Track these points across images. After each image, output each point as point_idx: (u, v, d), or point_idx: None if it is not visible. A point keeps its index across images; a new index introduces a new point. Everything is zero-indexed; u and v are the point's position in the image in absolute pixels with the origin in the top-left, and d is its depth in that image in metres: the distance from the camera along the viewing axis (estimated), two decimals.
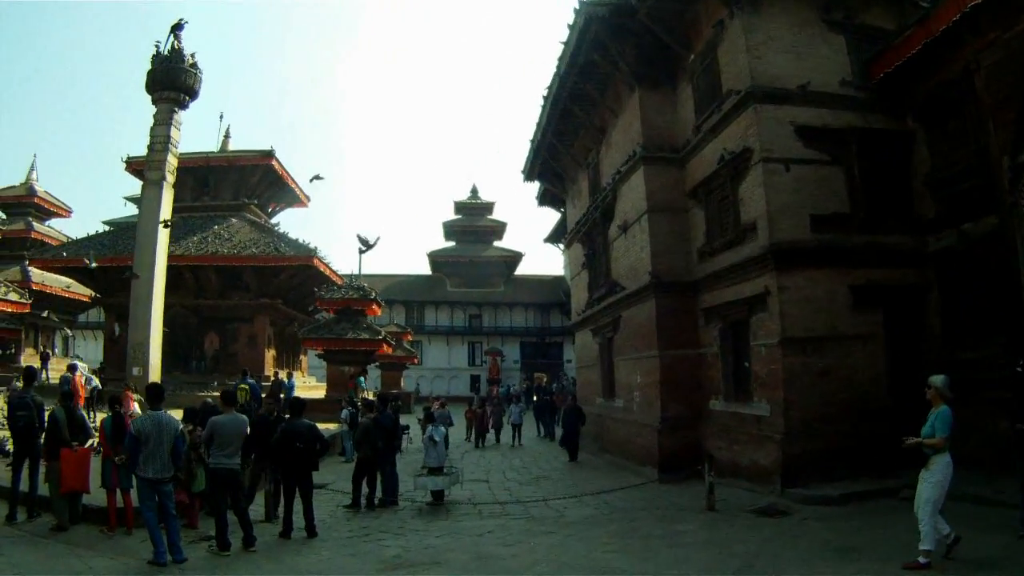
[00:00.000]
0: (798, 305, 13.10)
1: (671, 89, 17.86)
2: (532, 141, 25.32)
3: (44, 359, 28.97)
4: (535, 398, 34.14)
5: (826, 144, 13.84)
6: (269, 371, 33.25)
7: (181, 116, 21.49)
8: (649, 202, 17.16)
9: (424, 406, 23.68)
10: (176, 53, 20.90)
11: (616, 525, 11.51)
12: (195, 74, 21.18)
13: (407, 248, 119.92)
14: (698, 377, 16.37)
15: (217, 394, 25.99)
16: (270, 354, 36.16)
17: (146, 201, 21.10)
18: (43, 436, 10.46)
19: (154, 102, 21.19)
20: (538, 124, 23.99)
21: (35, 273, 36.73)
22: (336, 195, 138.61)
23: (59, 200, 44.06)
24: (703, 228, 16.29)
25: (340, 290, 33.59)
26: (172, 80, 20.84)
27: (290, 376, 28.71)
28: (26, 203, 41.61)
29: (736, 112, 14.43)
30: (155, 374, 20.14)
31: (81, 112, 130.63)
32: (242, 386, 18.59)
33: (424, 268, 67.36)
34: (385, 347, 33.81)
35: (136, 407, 15.81)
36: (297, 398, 11.96)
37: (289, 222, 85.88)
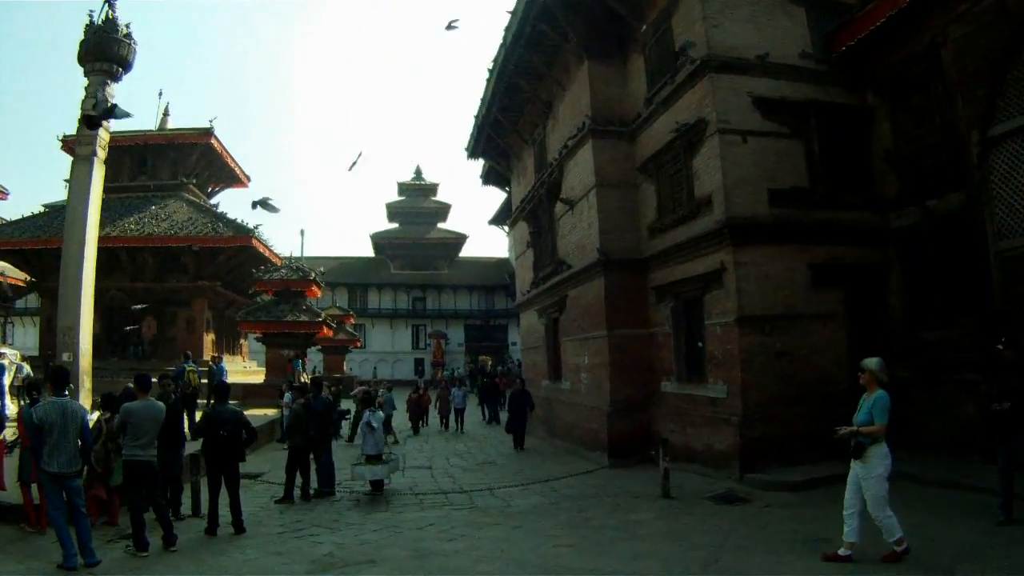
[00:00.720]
0: (755, 282, 12.43)
1: (621, 61, 17.11)
2: (476, 117, 24.39)
3: None
4: (479, 381, 33.30)
5: (785, 117, 13.17)
6: (208, 356, 31.93)
7: (114, 88, 19.89)
8: (597, 177, 16.39)
9: (363, 388, 22.80)
10: (110, 23, 19.44)
11: (566, 515, 10.73)
12: (129, 44, 19.70)
13: (351, 230, 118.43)
14: (649, 358, 15.66)
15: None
16: (209, 338, 34.70)
17: (76, 178, 19.51)
18: None
19: (86, 74, 19.62)
20: (483, 99, 23.08)
21: None
22: (281, 176, 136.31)
23: None
24: (654, 204, 15.55)
25: (279, 271, 32.54)
26: (104, 51, 19.29)
27: (219, 360, 27.40)
28: None
29: (691, 82, 13.67)
30: (86, 360, 18.90)
31: (16, 90, 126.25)
32: (189, 368, 17.67)
33: (368, 250, 66.33)
34: (325, 330, 32.93)
35: None
36: (222, 382, 10.95)
37: (229, 203, 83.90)
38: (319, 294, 35.70)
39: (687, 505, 10.77)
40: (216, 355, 30.24)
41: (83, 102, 19.92)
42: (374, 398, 18.90)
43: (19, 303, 45.32)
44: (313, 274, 32.95)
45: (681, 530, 9.20)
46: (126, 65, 20.14)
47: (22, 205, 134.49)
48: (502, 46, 19.52)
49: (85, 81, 19.94)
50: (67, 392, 8.37)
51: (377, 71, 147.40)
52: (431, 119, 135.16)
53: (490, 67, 21.09)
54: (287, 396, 19.89)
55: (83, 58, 19.77)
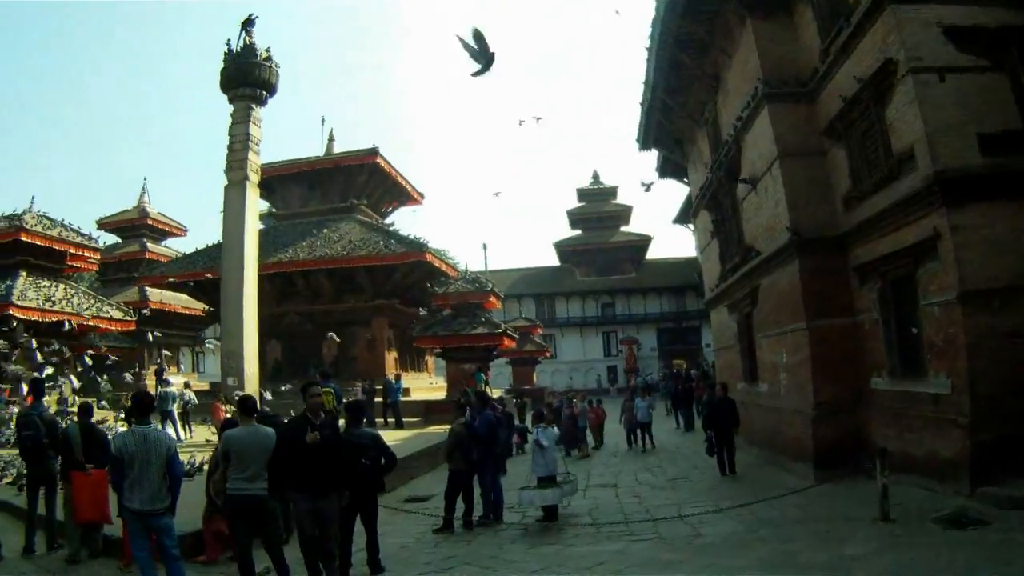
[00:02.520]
0: (977, 249, 10.33)
1: (787, 15, 15.35)
2: (642, 104, 22.90)
3: (159, 375, 28.77)
4: (672, 387, 31.53)
5: (982, 47, 11.03)
6: (391, 374, 32.20)
7: (260, 113, 20.42)
8: (779, 146, 14.65)
9: (544, 404, 21.79)
10: (248, 48, 19.86)
11: (766, 549, 9.11)
12: (270, 68, 20.08)
13: (533, 240, 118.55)
14: (855, 351, 13.68)
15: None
16: (391, 356, 35.11)
17: (229, 204, 20.06)
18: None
19: (230, 101, 20.28)
20: (644, 82, 21.67)
21: (153, 292, 37.13)
22: (455, 192, 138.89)
23: (172, 220, 45.10)
24: (846, 169, 13.63)
25: (455, 283, 32.31)
26: (246, 76, 19.83)
27: (398, 378, 27.31)
28: (139, 225, 42.90)
29: (869, 20, 11.83)
30: (251, 384, 19.10)
31: (186, 128, 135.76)
32: (325, 390, 16.82)
33: (552, 260, 65.91)
34: (506, 341, 32.32)
35: (225, 416, 14.78)
36: (356, 402, 9.95)
37: (404, 222, 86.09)
38: (498, 305, 35.31)
39: (910, 531, 8.96)
40: (397, 372, 30.41)
41: (230, 128, 20.31)
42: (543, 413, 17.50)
43: (209, 332, 47.67)
44: (490, 285, 32.53)
45: (907, 568, 7.53)
46: (270, 88, 20.44)
47: (203, 237, 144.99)
48: (656, 20, 18.12)
49: (231, 108, 20.48)
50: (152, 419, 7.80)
51: (540, 73, 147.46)
52: (603, 120, 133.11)
53: (647, 45, 19.65)
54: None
55: (225, 85, 20.29)
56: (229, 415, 15.41)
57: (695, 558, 8.97)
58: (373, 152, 35.87)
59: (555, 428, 14.05)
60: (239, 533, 7.68)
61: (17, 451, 11.84)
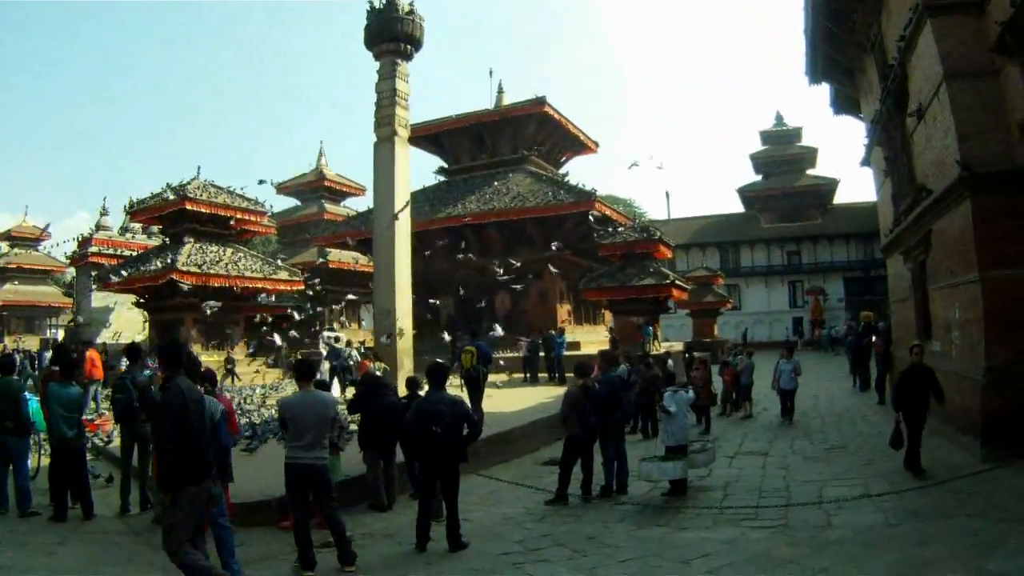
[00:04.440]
0: None
1: None
2: (805, 31, 20.19)
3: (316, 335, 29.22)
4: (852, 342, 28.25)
5: None
6: (565, 327, 31.11)
7: (407, 67, 19.60)
8: (945, 66, 12.06)
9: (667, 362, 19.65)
10: (390, 3, 19.03)
11: (898, 551, 7.31)
12: (412, 21, 19.15)
13: (716, 187, 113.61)
14: None
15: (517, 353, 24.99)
16: (564, 309, 34.02)
17: (379, 160, 19.42)
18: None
19: (376, 57, 19.58)
20: (804, 6, 19.00)
21: (332, 252, 37.79)
22: (629, 139, 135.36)
23: (350, 180, 46.03)
24: (1021, 91, 10.95)
25: (621, 233, 30.77)
26: (389, 31, 19.04)
27: (562, 332, 26.12)
28: (317, 187, 44.29)
29: None
30: (406, 342, 18.65)
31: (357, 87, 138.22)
32: (468, 348, 15.78)
33: (736, 206, 62.67)
34: (676, 292, 30.53)
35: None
36: (437, 363, 8.91)
37: (581, 172, 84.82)
38: (668, 254, 33.62)
39: None
40: (561, 326, 29.25)
41: (377, 85, 19.61)
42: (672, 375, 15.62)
43: None
44: (658, 233, 30.77)
45: None
46: (415, 42, 19.48)
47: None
48: None
49: (377, 64, 19.77)
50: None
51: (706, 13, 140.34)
52: (781, 57, 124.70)
53: None
54: (622, 368, 18.15)
55: (369, 42, 19.50)
56: (379, 372, 15.05)
57: (811, 557, 7.35)
58: (540, 101, 34.55)
59: (689, 392, 12.46)
60: (295, 503, 7.42)
61: None
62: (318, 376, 20.23)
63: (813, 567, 7.00)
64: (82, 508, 9.17)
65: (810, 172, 60.11)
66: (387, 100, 19.22)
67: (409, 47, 19.39)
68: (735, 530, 8.55)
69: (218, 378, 22.10)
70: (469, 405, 14.99)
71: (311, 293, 30.49)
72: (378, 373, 14.62)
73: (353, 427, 11.84)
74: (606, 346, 25.74)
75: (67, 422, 8.79)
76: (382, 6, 19.12)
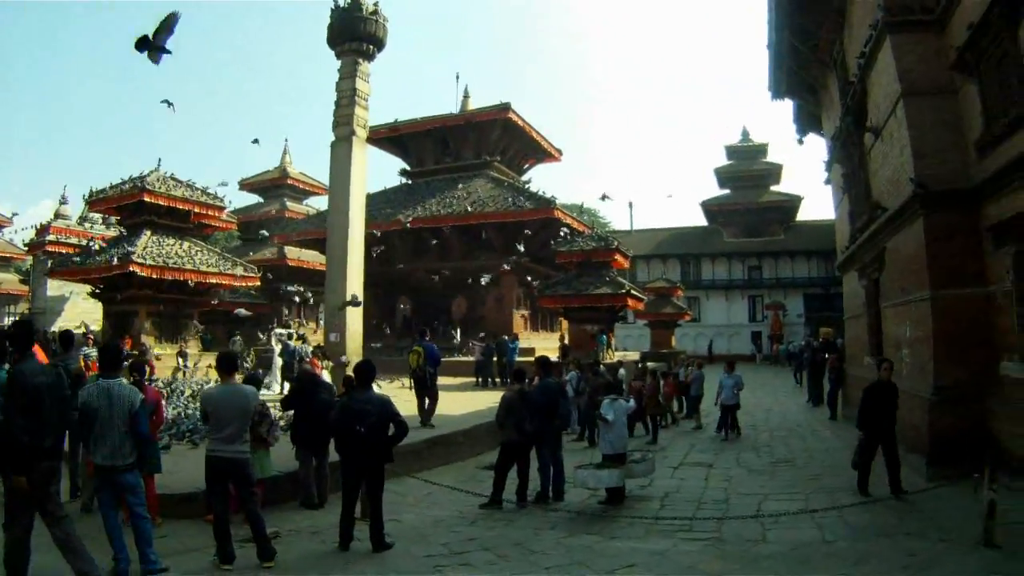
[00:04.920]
0: None
1: None
2: (768, 46, 20.13)
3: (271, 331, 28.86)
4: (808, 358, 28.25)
5: None
6: (521, 333, 31.04)
7: (368, 67, 19.26)
8: (903, 84, 11.93)
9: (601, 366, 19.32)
10: (354, 3, 18.69)
11: (832, 569, 7.09)
12: (376, 21, 18.80)
13: (680, 200, 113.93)
14: (985, 328, 10.99)
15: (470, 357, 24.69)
16: (519, 315, 33.86)
17: (335, 160, 19.07)
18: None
19: (337, 56, 19.24)
20: (768, 21, 18.95)
21: (292, 250, 37.42)
22: (593, 149, 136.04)
23: (313, 179, 45.87)
24: (979, 109, 10.83)
25: (579, 241, 30.57)
26: (352, 30, 18.70)
27: (515, 338, 25.91)
28: (280, 185, 44.21)
29: None
30: (355, 340, 18.32)
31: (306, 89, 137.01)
32: (416, 348, 15.68)
33: (699, 219, 62.77)
34: (631, 302, 30.38)
35: (325, 374, 14.09)
36: (365, 361, 8.70)
37: (542, 180, 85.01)
38: (625, 264, 33.53)
39: (1018, 566, 6.63)
40: (514, 332, 29.07)
41: (337, 84, 19.22)
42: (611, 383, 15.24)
43: None
44: (616, 242, 30.58)
45: None
46: (377, 43, 19.10)
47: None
48: None
49: (338, 63, 19.37)
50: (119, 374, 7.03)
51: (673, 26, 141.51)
52: (748, 73, 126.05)
53: None
54: (570, 375, 17.75)
55: (332, 41, 19.08)
56: (327, 371, 14.73)
57: (740, 572, 7.21)
58: (504, 107, 34.49)
59: (627, 400, 12.21)
60: (214, 496, 7.25)
61: None
62: (272, 372, 20.21)
63: None
64: None
65: (774, 188, 60.14)
66: (347, 99, 18.90)
67: (371, 47, 19.07)
68: (667, 541, 8.30)
69: (174, 370, 21.81)
70: (423, 404, 14.74)
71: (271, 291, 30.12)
72: (325, 372, 14.42)
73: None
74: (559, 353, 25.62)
75: None
76: (346, 4, 18.79)
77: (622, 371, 19.90)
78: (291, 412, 10.64)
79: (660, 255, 58.78)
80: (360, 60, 18.89)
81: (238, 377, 8.13)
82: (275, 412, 11.49)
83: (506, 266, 31.39)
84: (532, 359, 24.92)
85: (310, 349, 20.43)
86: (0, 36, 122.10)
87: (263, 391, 12.63)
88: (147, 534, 6.68)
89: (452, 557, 7.72)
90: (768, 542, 8.20)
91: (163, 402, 10.99)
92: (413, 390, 15.52)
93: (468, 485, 10.99)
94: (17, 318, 46.29)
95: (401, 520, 9.03)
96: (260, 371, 18.79)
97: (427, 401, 14.99)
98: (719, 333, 56.32)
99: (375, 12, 18.74)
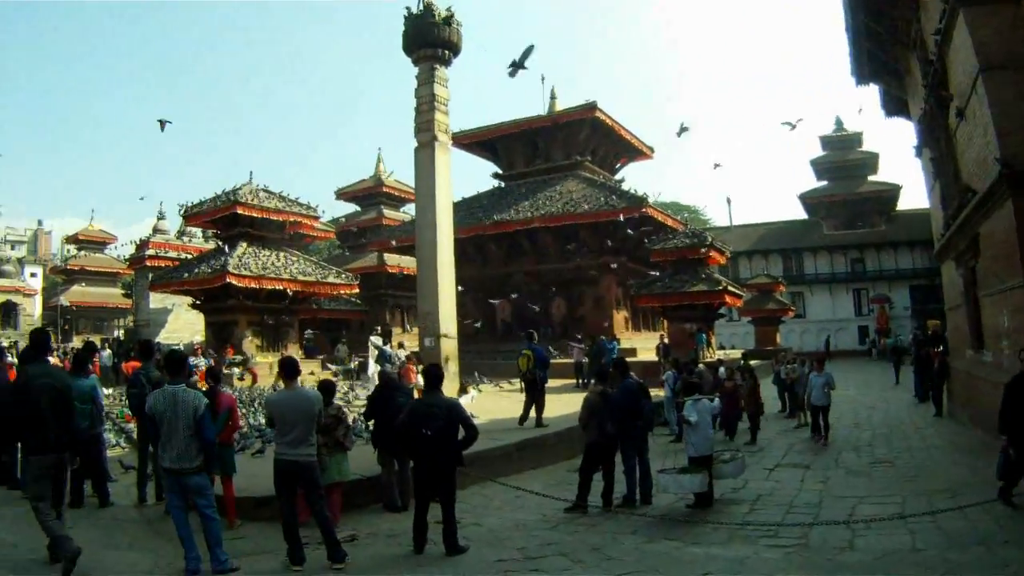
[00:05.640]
0: None
1: None
2: (847, 30, 19.33)
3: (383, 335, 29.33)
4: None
5: None
6: (622, 334, 30.69)
7: (445, 72, 19.52)
8: (981, 58, 11.36)
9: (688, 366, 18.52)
10: (427, 9, 18.98)
11: None
12: (450, 27, 19.07)
13: (778, 193, 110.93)
14: None
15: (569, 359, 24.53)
16: (620, 315, 33.37)
17: (420, 165, 19.37)
18: None
19: (414, 63, 19.54)
20: (843, 3, 18.22)
21: (391, 256, 38.06)
22: (688, 145, 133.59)
23: (408, 186, 46.27)
24: None
25: (673, 238, 30.13)
26: (426, 37, 18.99)
27: (613, 338, 25.53)
28: (376, 193, 44.69)
29: None
30: (449, 344, 18.51)
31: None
32: (525, 352, 15.63)
33: (798, 212, 61.12)
34: (729, 299, 29.78)
35: (419, 379, 13.92)
36: (433, 365, 8.72)
37: (637, 178, 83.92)
38: (722, 260, 32.81)
39: None
40: (613, 333, 28.67)
41: (416, 90, 19.51)
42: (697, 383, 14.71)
43: None
44: (710, 239, 30.00)
45: None
46: (452, 48, 19.36)
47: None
48: None
49: (415, 70, 19.68)
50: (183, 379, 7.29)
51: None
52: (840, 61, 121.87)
53: None
54: (668, 375, 17.85)
55: (408, 48, 19.44)
56: (422, 376, 14.97)
57: None
58: (591, 107, 34.21)
59: (714, 400, 11.83)
60: (283, 500, 7.38)
61: None
62: (369, 376, 20.57)
63: None
64: (98, 496, 9.36)
65: (872, 178, 57.94)
66: (426, 105, 19.15)
67: (447, 52, 19.31)
68: (748, 548, 7.98)
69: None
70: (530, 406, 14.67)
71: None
72: (421, 378, 14.60)
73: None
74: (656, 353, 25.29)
75: (80, 413, 8.81)
76: (419, 11, 19.08)
77: (722, 370, 19.41)
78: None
79: (761, 250, 57.40)
80: (436, 66, 19.16)
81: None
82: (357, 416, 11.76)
83: (613, 265, 31.21)
84: (635, 360, 24.97)
85: (404, 355, 20.78)
86: (103, 63, 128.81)
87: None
88: (216, 534, 6.85)
89: (524, 562, 7.57)
90: (855, 550, 7.77)
91: (238, 408, 11.25)
92: (523, 392, 15.62)
93: (558, 488, 10.80)
94: (123, 331, 48.90)
95: (482, 524, 8.97)
96: (335, 378, 19.11)
97: (535, 403, 14.96)
98: (824, 328, 54.29)
99: (449, 18, 19.00)
